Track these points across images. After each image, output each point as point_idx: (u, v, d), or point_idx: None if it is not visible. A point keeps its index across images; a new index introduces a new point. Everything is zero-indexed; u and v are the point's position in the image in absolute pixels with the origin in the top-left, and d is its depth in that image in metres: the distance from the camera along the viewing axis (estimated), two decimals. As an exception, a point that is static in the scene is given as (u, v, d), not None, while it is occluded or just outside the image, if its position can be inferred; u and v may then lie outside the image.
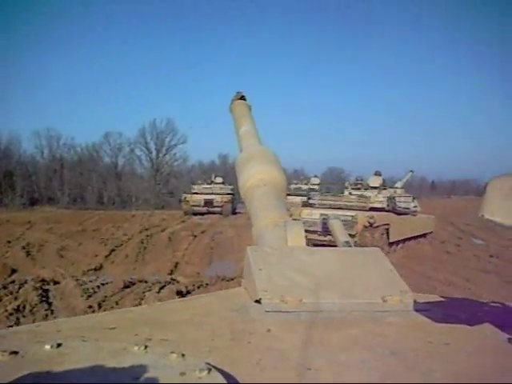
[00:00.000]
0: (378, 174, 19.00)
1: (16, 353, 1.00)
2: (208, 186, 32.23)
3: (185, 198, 31.82)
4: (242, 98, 3.70)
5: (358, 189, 18.00)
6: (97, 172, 53.75)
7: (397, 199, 17.66)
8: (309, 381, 1.02)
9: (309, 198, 18.21)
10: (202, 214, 30.94)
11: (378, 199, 16.79)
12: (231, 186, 32.74)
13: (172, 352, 1.02)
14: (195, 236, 19.95)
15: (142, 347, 1.05)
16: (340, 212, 15.91)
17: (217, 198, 31.14)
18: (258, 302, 1.57)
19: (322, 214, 15.12)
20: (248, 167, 2.96)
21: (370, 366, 1.11)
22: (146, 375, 0.92)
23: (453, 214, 26.99)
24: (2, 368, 0.93)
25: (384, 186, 18.11)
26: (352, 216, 15.77)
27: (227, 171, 62.72)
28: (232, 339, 1.27)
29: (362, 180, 18.96)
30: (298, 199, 25.02)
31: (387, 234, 16.37)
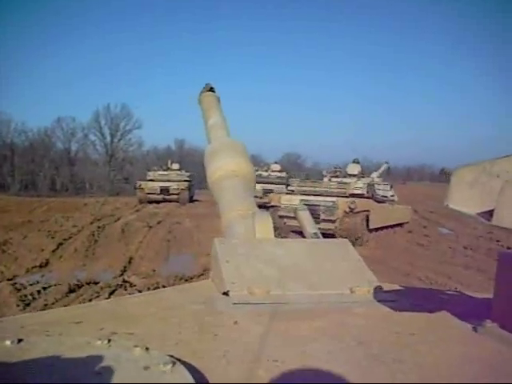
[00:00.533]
0: (356, 161, 18.89)
1: None
2: (164, 173, 30.87)
3: (139, 185, 30.36)
4: (211, 89, 3.64)
5: (337, 176, 17.85)
6: (49, 158, 52.67)
7: (376, 187, 17.72)
8: (275, 372, 1.01)
9: (287, 185, 17.97)
10: (158, 202, 29.79)
11: (358, 186, 16.74)
12: (188, 173, 31.72)
13: (136, 346, 1.01)
14: (150, 227, 18.92)
15: (106, 341, 1.03)
16: (321, 198, 15.99)
17: (173, 186, 29.89)
18: (225, 294, 1.57)
19: (301, 200, 14.74)
20: (216, 159, 2.95)
21: (336, 357, 1.11)
22: (109, 369, 0.91)
23: (414, 201, 26.93)
24: None
25: (362, 174, 18.02)
26: (333, 202, 15.79)
27: (183, 157, 62.40)
28: (199, 332, 1.26)
29: (340, 168, 18.79)
30: (259, 187, 24.22)
31: (367, 220, 16.38)
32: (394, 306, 1.55)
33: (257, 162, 38.70)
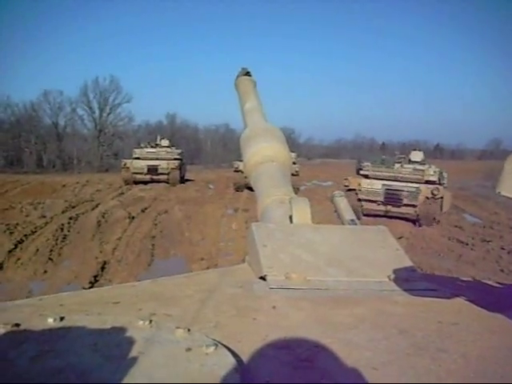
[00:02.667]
0: (417, 149, 19.15)
1: (18, 325, 0.99)
2: (152, 150, 27.24)
3: (124, 164, 26.78)
4: (248, 74, 3.60)
5: (399, 162, 17.80)
6: (36, 133, 51.21)
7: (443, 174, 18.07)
8: (317, 359, 0.99)
9: (359, 169, 17.66)
10: (145, 182, 26.64)
11: (432, 173, 16.93)
12: (179, 150, 28.48)
13: (177, 327, 1.01)
14: (133, 218, 15.79)
15: (147, 322, 1.04)
16: (403, 183, 16.52)
17: (162, 165, 26.52)
18: (262, 278, 1.56)
19: (383, 185, 16.36)
20: (253, 144, 2.91)
21: (378, 345, 1.08)
22: (151, 350, 0.91)
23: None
24: (3, 340, 0.93)
25: (424, 161, 17.94)
26: (416, 188, 16.34)
27: (175, 132, 59.71)
28: (237, 315, 1.25)
29: (403, 155, 18.68)
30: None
31: (440, 205, 16.78)
32: (435, 294, 1.51)
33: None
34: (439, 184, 16.94)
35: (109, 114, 55.25)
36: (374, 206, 16.37)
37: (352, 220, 2.43)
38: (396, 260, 1.72)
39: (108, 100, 54.65)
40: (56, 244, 12.48)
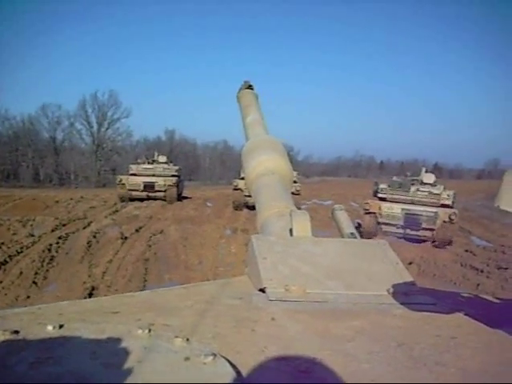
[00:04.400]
0: (429, 171, 19.41)
1: (17, 332, 0.99)
2: (149, 167, 26.37)
3: (120, 180, 25.85)
4: (250, 87, 3.62)
5: (413, 184, 17.93)
6: (33, 147, 50.92)
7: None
8: (315, 371, 0.99)
9: (376, 191, 17.96)
10: (142, 199, 25.80)
11: (447, 196, 17.15)
12: (177, 167, 27.71)
13: (176, 336, 1.01)
14: (125, 238, 14.87)
15: (146, 331, 1.04)
16: (421, 208, 16.71)
17: (159, 181, 25.67)
18: (262, 290, 1.55)
19: (403, 209, 16.64)
20: (254, 156, 2.91)
21: (377, 358, 1.08)
22: (150, 359, 0.92)
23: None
24: (2, 347, 0.93)
25: (435, 183, 17.94)
26: (434, 212, 16.56)
27: (173, 148, 59.26)
28: (236, 326, 1.25)
29: (416, 177, 18.74)
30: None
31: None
32: (434, 308, 1.51)
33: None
34: (452, 207, 17.17)
35: (107, 129, 55.09)
36: (392, 229, 16.83)
37: (352, 233, 2.41)
38: (396, 274, 1.72)
39: (106, 115, 54.50)
40: (42, 266, 11.60)
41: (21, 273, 11.07)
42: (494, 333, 1.31)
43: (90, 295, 9.59)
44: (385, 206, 17.13)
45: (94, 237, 14.89)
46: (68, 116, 53.86)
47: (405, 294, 1.58)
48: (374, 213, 17.04)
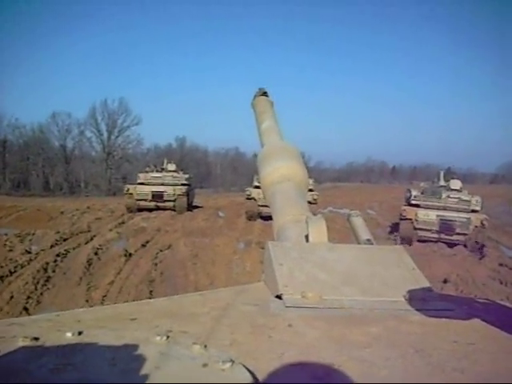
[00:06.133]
0: (455, 178, 20.04)
1: (37, 339, 0.99)
2: (158, 175, 25.10)
3: (128, 189, 24.55)
4: (265, 94, 3.59)
5: (441, 189, 18.82)
6: (43, 155, 50.80)
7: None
8: (333, 377, 0.98)
9: (409, 198, 18.57)
10: (150, 209, 24.59)
11: (476, 202, 17.88)
12: (187, 175, 26.48)
13: (194, 343, 1.02)
14: (130, 255, 13.56)
15: (164, 337, 1.04)
16: (455, 214, 17.58)
17: (168, 191, 24.37)
18: (278, 297, 1.53)
19: (438, 216, 17.56)
20: (269, 162, 2.89)
21: (394, 364, 1.07)
22: (169, 365, 0.92)
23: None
24: (23, 353, 0.94)
25: (461, 189, 18.71)
26: (467, 218, 17.42)
27: (184, 155, 58.35)
28: (253, 333, 1.23)
29: (443, 184, 19.59)
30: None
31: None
32: (451, 314, 1.48)
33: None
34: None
35: (117, 137, 54.82)
36: (428, 234, 17.76)
37: (368, 239, 2.36)
38: (412, 279, 1.68)
39: (117, 122, 54.23)
40: (35, 289, 10.38)
41: (11, 297, 9.88)
42: None
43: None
44: (420, 212, 17.94)
45: (96, 253, 13.60)
46: (78, 124, 53.75)
47: (422, 300, 1.56)
48: (410, 219, 17.85)
